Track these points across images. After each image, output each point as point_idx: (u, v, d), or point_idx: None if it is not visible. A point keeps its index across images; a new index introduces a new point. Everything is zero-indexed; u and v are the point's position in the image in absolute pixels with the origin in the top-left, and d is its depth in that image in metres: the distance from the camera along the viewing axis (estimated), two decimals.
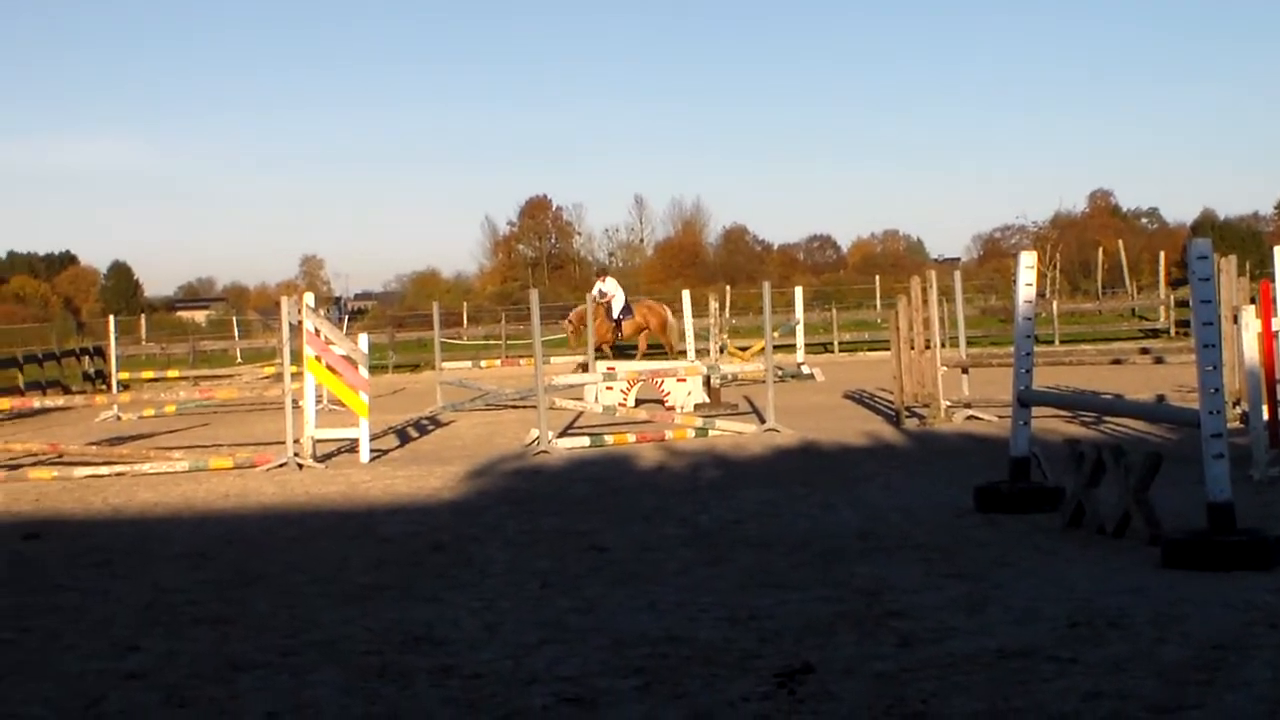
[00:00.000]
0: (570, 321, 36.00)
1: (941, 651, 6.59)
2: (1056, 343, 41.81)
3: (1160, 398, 18.13)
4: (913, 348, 19.51)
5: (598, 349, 31.93)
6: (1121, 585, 7.95)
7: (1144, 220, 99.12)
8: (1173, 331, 43.39)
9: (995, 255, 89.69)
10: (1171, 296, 45.82)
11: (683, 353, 33.58)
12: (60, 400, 24.49)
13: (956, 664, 6.33)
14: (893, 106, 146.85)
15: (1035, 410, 11.91)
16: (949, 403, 19.04)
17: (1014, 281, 11.88)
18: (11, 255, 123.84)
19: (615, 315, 35.65)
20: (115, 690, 6.61)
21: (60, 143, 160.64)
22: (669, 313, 36.49)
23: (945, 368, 19.33)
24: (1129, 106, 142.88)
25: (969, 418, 18.80)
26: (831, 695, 5.92)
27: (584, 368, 25.83)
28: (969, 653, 6.52)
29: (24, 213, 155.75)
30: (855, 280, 73.64)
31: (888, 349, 22.78)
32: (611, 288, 36.23)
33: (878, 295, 57.44)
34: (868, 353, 43.09)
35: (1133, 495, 9.35)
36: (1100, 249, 62.04)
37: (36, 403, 22.92)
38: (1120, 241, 61.09)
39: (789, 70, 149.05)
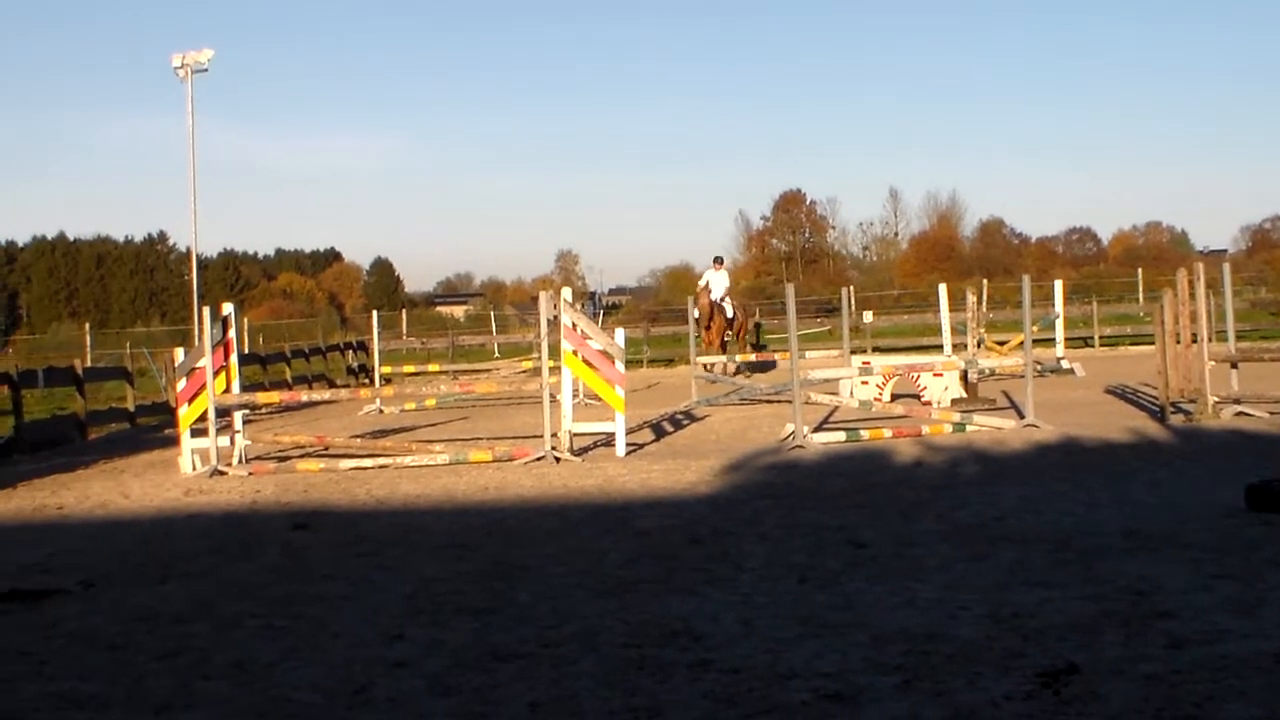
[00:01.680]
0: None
1: (1214, 654, 6.39)
2: None
3: None
4: (1178, 342, 18.97)
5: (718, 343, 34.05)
6: None
7: None
8: None
9: (1265, 246, 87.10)
10: None
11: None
12: (326, 394, 25.30)
13: (1230, 667, 6.13)
14: (1154, 95, 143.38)
15: None
16: (1217, 398, 18.47)
17: None
18: (279, 252, 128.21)
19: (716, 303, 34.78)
20: (381, 677, 6.76)
21: (325, 143, 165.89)
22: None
23: (1213, 362, 18.77)
24: None
25: (1238, 414, 18.21)
26: (1098, 696, 5.78)
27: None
28: (1243, 656, 6.31)
29: (291, 211, 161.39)
30: (1116, 273, 72.14)
31: (1150, 343, 22.23)
32: (713, 279, 35.23)
33: (1140, 288, 56.06)
34: (1129, 347, 42.12)
35: None
36: None
37: (304, 396, 23.58)
38: None
39: (1046, 63, 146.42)
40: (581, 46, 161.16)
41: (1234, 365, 19.68)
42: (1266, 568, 8.47)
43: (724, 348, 34.33)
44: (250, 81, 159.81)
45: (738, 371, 32.83)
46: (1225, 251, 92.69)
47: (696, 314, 31.02)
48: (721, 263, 36.61)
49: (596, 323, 22.24)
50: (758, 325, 36.58)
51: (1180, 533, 9.94)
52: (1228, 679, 5.94)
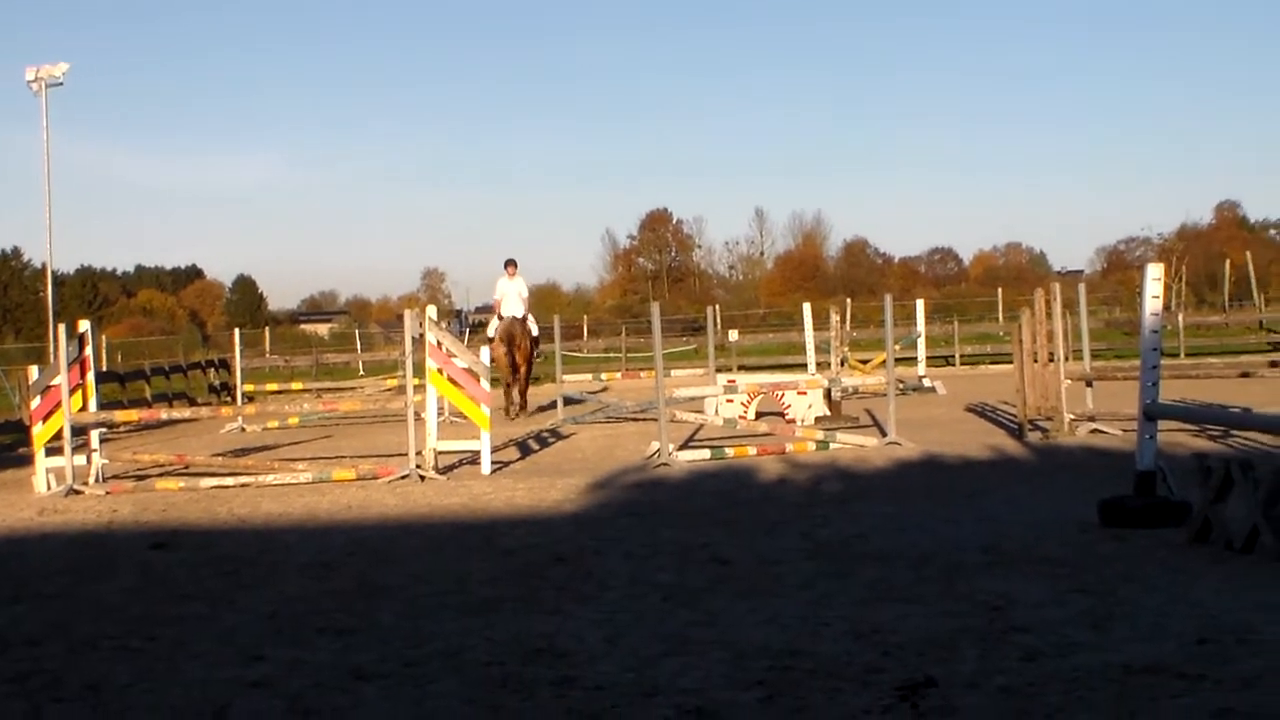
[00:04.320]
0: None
1: (1067, 666, 6.51)
2: (1182, 356, 41.23)
3: None
4: (1036, 360, 19.31)
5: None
6: (1250, 601, 7.81)
7: (1272, 231, 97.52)
8: None
9: (1119, 268, 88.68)
10: None
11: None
12: (186, 412, 24.93)
13: (1082, 679, 6.25)
14: (1015, 118, 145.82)
15: (1162, 424, 11.75)
16: (1073, 416, 18.82)
17: (1139, 294, 11.74)
18: (139, 269, 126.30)
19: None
20: (240, 698, 6.68)
21: (186, 159, 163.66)
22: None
23: (1069, 381, 19.11)
24: (1256, 116, 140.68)
25: (1093, 431, 18.57)
26: (954, 709, 5.87)
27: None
28: (1095, 668, 6.44)
29: (152, 228, 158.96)
30: (977, 293, 73.16)
31: (1010, 362, 22.56)
32: (508, 290, 27.28)
33: (1000, 308, 57.00)
34: (989, 366, 42.81)
35: (1261, 510, 9.19)
36: (1227, 261, 61.05)
37: (163, 414, 23.23)
38: (1248, 253, 60.09)
39: (909, 83, 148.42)
40: (448, 65, 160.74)
41: (1089, 384, 20.05)
42: (1118, 582, 8.64)
43: (514, 370, 26.88)
44: (109, 97, 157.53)
45: (522, 408, 27.14)
46: (1081, 272, 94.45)
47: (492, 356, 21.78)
48: (516, 267, 27.39)
49: (462, 341, 22.04)
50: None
51: (1036, 548, 10.10)
52: (1079, 690, 6.05)
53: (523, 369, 26.99)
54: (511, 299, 26.97)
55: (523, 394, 27.20)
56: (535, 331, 27.79)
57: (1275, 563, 8.82)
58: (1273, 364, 22.59)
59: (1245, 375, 20.77)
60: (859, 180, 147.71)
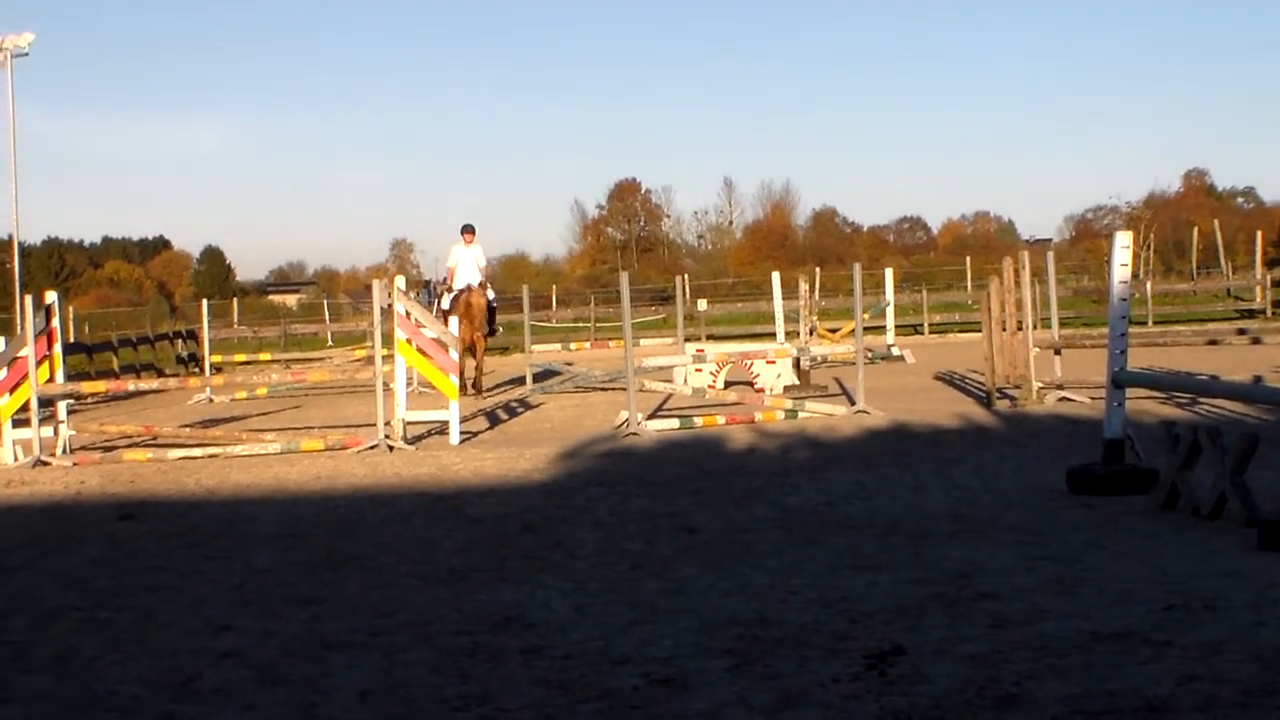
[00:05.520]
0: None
1: (1034, 634, 6.53)
2: (1150, 324, 41.49)
3: (1257, 379, 17.90)
4: (1004, 329, 19.36)
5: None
6: (1217, 568, 7.84)
7: (1239, 200, 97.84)
8: (1269, 312, 42.98)
9: (1088, 236, 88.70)
10: (1268, 276, 45.34)
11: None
12: (154, 383, 24.77)
13: (1050, 646, 6.26)
14: (982, 87, 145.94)
15: (1129, 392, 11.79)
16: (1041, 384, 18.87)
17: (1107, 262, 11.78)
18: (106, 240, 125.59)
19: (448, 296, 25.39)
20: (209, 669, 6.67)
21: (153, 128, 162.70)
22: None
23: (1037, 349, 19.16)
24: (1223, 84, 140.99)
25: (1061, 399, 18.62)
26: (923, 676, 5.88)
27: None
28: (1063, 635, 6.46)
29: (118, 198, 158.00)
30: (946, 262, 73.24)
31: (978, 331, 22.61)
32: (463, 258, 25.26)
33: (968, 277, 57.11)
34: (958, 334, 42.97)
35: (1228, 477, 9.23)
36: (1195, 229, 61.23)
37: (131, 385, 23.18)
38: (1215, 221, 60.37)
39: (876, 53, 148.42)
40: (414, 37, 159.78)
41: (1057, 352, 20.12)
42: (1086, 549, 8.67)
43: (470, 349, 24.38)
44: (75, 66, 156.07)
45: (477, 389, 25.00)
46: (1050, 241, 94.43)
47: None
48: (474, 234, 25.33)
49: (432, 311, 21.86)
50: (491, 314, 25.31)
51: (1004, 516, 10.15)
52: (1047, 658, 6.07)
53: (481, 346, 25.11)
54: (468, 267, 25.06)
55: (478, 371, 25.21)
56: (494, 301, 25.90)
57: (1242, 529, 8.85)
58: (1240, 331, 22.71)
59: (1213, 343, 20.91)
60: (827, 149, 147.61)
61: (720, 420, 17.48)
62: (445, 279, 26.31)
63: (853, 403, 18.25)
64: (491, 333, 25.79)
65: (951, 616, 6.98)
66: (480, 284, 25.14)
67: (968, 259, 60.46)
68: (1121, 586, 7.48)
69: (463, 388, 21.77)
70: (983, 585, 7.70)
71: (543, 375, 26.27)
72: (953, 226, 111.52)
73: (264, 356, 37.60)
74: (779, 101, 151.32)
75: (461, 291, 24.74)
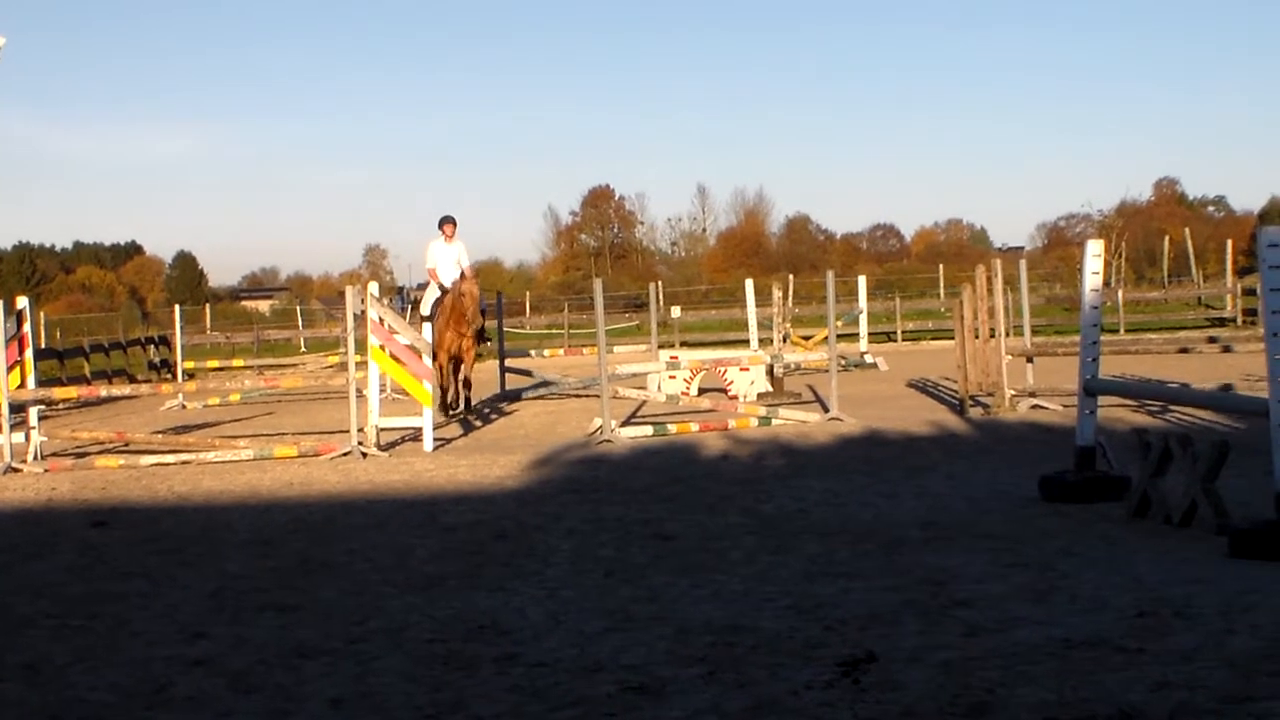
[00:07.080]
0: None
1: (1007, 641, 6.54)
2: (1122, 331, 41.65)
3: (1227, 387, 17.95)
4: (977, 336, 19.41)
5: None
6: (1189, 575, 7.87)
7: (1210, 208, 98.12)
8: (1240, 320, 43.09)
9: (1060, 244, 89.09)
10: (1239, 285, 45.50)
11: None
12: (126, 389, 24.78)
13: (1022, 654, 6.28)
14: (955, 96, 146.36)
15: (1101, 399, 11.83)
16: (1013, 392, 18.93)
17: (1079, 270, 11.82)
18: (78, 245, 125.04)
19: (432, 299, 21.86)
20: (182, 676, 6.65)
21: (125, 134, 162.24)
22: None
23: (1010, 356, 19.22)
24: (1195, 93, 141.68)
25: (1034, 407, 18.69)
26: (896, 684, 5.89)
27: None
28: (1035, 642, 6.47)
29: (90, 204, 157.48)
30: (919, 269, 73.50)
31: (951, 338, 22.70)
32: (443, 255, 21.73)
33: (941, 284, 57.33)
34: (931, 342, 43.09)
35: (1200, 485, 9.27)
36: (1166, 237, 61.57)
37: (103, 391, 23.17)
38: (1186, 229, 60.73)
39: (851, 61, 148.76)
40: (388, 42, 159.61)
41: (1030, 359, 20.19)
42: (1058, 556, 8.70)
43: (456, 369, 21.60)
44: (47, 70, 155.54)
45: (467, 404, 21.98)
46: (1022, 248, 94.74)
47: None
48: (455, 226, 21.89)
49: (405, 318, 21.33)
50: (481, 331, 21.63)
51: (977, 523, 10.17)
52: (1019, 665, 6.08)
53: (470, 357, 21.45)
54: (448, 267, 21.55)
55: (467, 383, 21.66)
56: (485, 304, 22.13)
57: (1214, 536, 8.89)
58: (1211, 339, 22.80)
59: (1184, 351, 21.00)
60: (801, 157, 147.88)
61: (694, 427, 17.49)
62: (422, 284, 25.34)
63: (826, 410, 18.29)
64: (482, 339, 22.30)
65: (924, 624, 6.99)
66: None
67: (941, 266, 60.73)
68: (1094, 593, 7.50)
69: (447, 406, 21.05)
70: (955, 592, 7.72)
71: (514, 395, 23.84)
72: (926, 234, 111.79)
73: (237, 362, 37.54)
74: (753, 109, 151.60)
75: (446, 290, 21.22)
